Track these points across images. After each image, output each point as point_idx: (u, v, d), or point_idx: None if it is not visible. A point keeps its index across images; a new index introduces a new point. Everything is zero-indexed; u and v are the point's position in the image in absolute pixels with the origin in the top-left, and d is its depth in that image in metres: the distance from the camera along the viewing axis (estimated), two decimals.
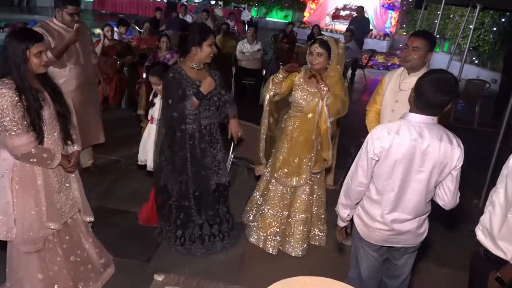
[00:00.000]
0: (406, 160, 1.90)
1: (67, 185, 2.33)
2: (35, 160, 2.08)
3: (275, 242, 3.15)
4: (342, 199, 2.11)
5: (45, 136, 2.11)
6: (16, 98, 1.95)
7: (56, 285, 2.32)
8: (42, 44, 2.06)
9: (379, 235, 2.06)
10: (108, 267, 2.69)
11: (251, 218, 3.36)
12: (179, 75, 2.72)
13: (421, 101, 1.87)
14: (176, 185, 2.89)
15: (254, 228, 3.24)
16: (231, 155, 3.79)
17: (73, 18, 3.35)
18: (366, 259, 2.17)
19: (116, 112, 5.84)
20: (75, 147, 2.34)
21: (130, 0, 16.87)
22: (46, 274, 2.27)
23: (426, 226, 2.14)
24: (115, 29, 6.45)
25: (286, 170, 3.04)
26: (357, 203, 2.11)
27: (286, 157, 3.05)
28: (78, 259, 2.44)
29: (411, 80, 2.65)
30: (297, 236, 3.13)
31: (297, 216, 3.12)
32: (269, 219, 3.16)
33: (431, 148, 1.88)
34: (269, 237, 3.17)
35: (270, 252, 3.15)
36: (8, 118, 1.94)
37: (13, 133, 1.97)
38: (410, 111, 1.94)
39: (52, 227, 2.21)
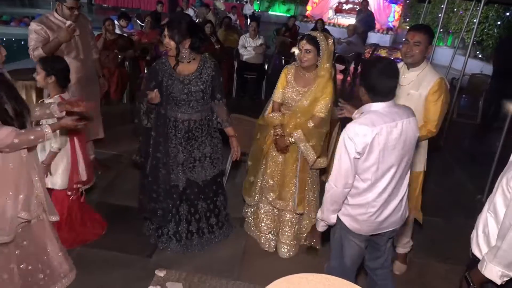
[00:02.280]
0: (389, 146, 1.95)
1: (32, 183, 2.27)
2: (24, 146, 2.08)
3: (269, 240, 3.13)
4: (328, 206, 2.10)
5: None
6: None
7: None
8: None
9: (370, 226, 2.10)
10: (70, 273, 2.54)
11: (249, 213, 3.35)
12: (160, 65, 2.73)
13: (378, 92, 1.96)
14: (144, 178, 2.93)
15: (252, 223, 3.25)
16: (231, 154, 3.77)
17: (72, 12, 3.33)
18: (351, 249, 2.19)
19: (117, 107, 5.82)
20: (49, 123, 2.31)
21: None
22: None
23: (406, 205, 2.20)
24: (116, 22, 6.41)
25: (271, 182, 3.01)
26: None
27: (274, 163, 3.02)
28: (30, 267, 2.32)
29: (411, 75, 2.64)
30: (285, 236, 3.07)
31: (286, 216, 3.07)
32: (261, 216, 3.14)
33: (405, 126, 1.97)
34: (262, 234, 3.15)
35: (266, 249, 3.12)
36: None
37: None
38: (370, 102, 2.00)
39: (24, 216, 2.17)
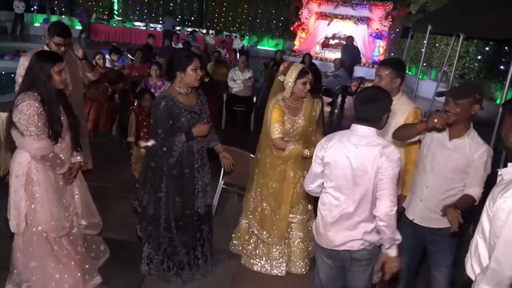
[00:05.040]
0: (337, 166, 2.11)
1: (71, 188, 2.71)
2: (48, 163, 2.42)
3: (282, 263, 3.18)
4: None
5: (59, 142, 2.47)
6: (41, 108, 2.34)
7: (66, 275, 2.56)
8: (62, 64, 2.44)
9: (319, 236, 2.24)
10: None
11: (250, 247, 3.29)
12: (171, 102, 2.67)
13: (354, 111, 2.16)
14: (156, 212, 2.86)
15: (257, 257, 3.22)
16: (221, 181, 3.78)
17: (58, 48, 3.43)
18: (323, 266, 2.32)
19: (106, 139, 5.82)
20: (78, 158, 2.68)
21: (123, 29, 17.14)
22: (56, 263, 2.53)
23: (366, 231, 2.13)
24: (107, 56, 6.52)
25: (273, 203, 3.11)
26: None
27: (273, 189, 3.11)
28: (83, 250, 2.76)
29: None
30: (298, 254, 3.17)
31: (294, 234, 3.17)
32: (271, 245, 3.17)
33: (361, 159, 2.05)
34: (275, 261, 3.18)
35: (279, 274, 3.16)
36: (33, 124, 2.32)
37: (36, 137, 2.33)
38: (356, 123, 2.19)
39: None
